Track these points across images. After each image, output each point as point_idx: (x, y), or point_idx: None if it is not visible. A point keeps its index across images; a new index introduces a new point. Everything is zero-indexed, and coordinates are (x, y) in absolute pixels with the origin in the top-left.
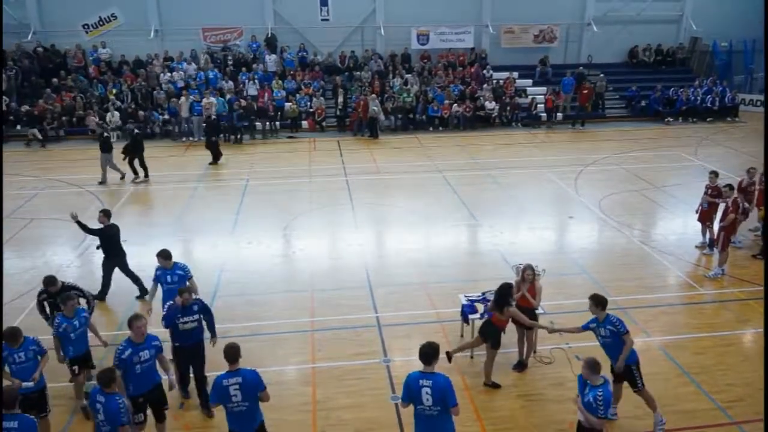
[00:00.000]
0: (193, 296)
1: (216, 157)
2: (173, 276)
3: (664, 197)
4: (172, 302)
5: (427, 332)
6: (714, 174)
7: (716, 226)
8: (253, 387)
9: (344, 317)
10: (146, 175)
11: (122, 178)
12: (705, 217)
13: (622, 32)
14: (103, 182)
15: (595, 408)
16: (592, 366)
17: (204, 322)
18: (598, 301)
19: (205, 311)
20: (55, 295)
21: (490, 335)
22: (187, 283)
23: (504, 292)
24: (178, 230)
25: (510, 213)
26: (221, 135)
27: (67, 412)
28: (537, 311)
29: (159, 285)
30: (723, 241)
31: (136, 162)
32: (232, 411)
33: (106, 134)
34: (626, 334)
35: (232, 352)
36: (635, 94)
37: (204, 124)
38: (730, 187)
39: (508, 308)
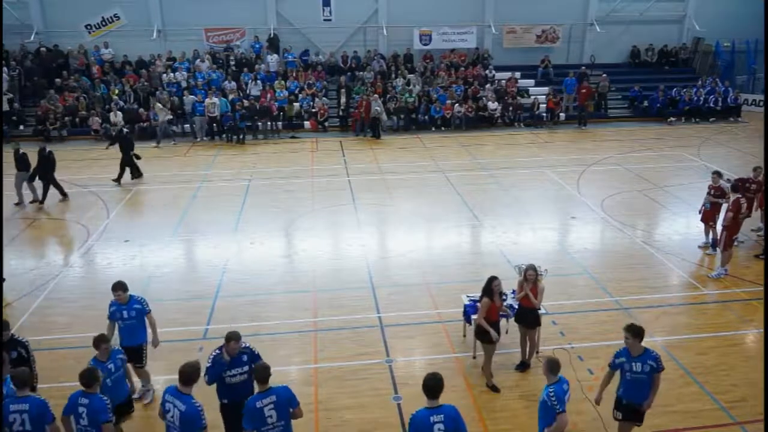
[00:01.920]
0: (242, 344)
1: (135, 171)
2: (129, 311)
3: (667, 197)
4: (218, 353)
5: (430, 332)
6: (716, 174)
7: (719, 226)
8: (287, 403)
9: (346, 317)
10: (64, 195)
11: (17, 204)
12: (708, 217)
13: (625, 32)
14: (19, 203)
15: (551, 406)
16: (552, 366)
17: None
18: (637, 333)
19: (256, 361)
20: None
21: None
22: (146, 320)
23: (487, 283)
24: (180, 230)
25: (512, 213)
26: (223, 135)
27: None
28: (540, 311)
29: (115, 323)
30: (725, 241)
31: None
32: None
33: (125, 130)
34: (662, 371)
35: (265, 373)
36: (638, 95)
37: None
38: (732, 187)
39: (483, 298)
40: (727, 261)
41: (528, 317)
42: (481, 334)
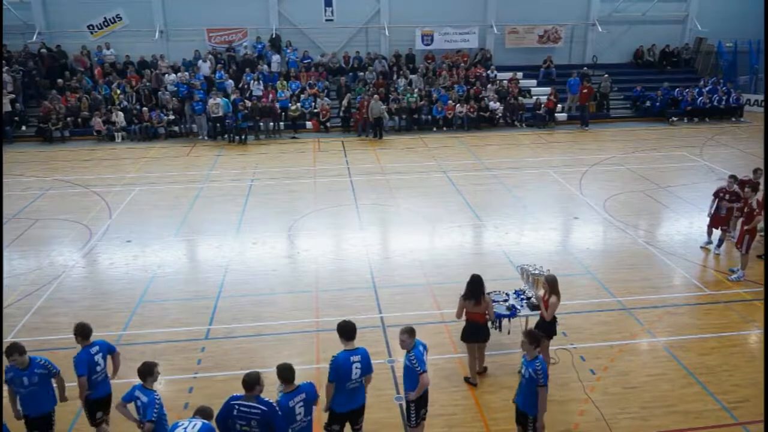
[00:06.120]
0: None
1: None
2: (31, 377)
3: (669, 198)
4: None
5: (432, 333)
6: (733, 178)
7: (737, 229)
8: (313, 400)
9: (349, 318)
10: None
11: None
12: (722, 222)
13: (627, 32)
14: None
15: (413, 368)
16: (410, 331)
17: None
18: (533, 339)
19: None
20: None
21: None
22: (53, 382)
23: (477, 281)
24: (182, 230)
25: (514, 213)
26: (225, 135)
27: (73, 412)
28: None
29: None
30: (747, 244)
31: None
32: (293, 430)
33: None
34: (543, 387)
35: (291, 374)
36: (640, 95)
37: None
38: (753, 188)
39: (483, 297)
40: (746, 263)
41: (540, 327)
42: (481, 335)
